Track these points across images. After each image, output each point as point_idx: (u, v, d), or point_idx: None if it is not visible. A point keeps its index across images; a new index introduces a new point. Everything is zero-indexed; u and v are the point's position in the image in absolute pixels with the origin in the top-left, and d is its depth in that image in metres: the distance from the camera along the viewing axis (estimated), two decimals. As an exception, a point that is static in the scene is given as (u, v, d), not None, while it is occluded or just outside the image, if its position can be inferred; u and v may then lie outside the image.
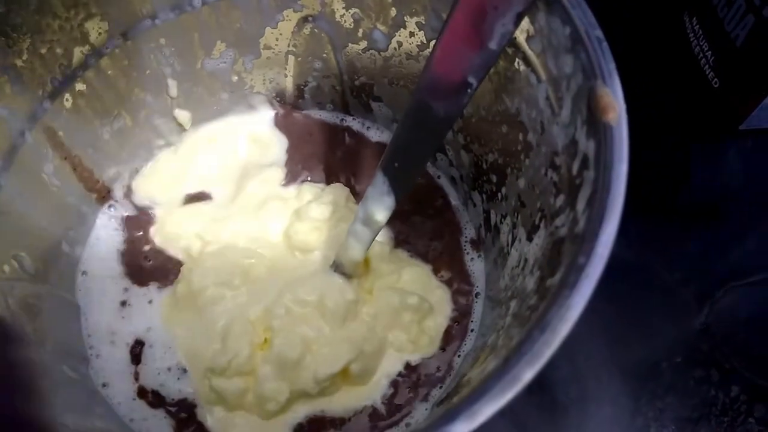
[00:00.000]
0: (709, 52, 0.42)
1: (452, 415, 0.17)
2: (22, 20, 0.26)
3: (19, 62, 0.27)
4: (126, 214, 0.36)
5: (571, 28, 0.23)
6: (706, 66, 0.43)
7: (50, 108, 0.29)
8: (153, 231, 0.35)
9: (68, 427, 0.25)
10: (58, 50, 0.28)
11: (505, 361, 0.18)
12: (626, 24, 0.45)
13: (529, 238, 0.27)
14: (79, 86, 0.30)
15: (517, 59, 0.26)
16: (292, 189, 0.36)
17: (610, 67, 0.22)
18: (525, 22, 0.24)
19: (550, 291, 0.21)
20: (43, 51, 0.28)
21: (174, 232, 0.35)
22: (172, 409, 0.31)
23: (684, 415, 0.35)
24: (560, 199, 0.24)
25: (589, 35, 0.22)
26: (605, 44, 0.22)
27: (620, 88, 0.22)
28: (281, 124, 0.39)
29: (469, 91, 0.23)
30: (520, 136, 0.28)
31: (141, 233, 0.35)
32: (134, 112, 0.34)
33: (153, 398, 0.31)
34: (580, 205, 0.21)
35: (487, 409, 0.17)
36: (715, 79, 0.42)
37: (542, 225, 0.26)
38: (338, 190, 0.35)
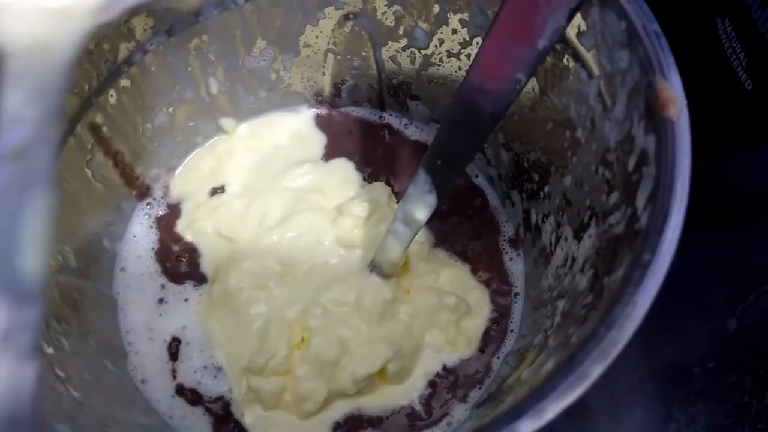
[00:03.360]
0: (742, 53, 0.42)
1: (518, 412, 0.17)
2: (72, 16, 0.26)
3: (67, 57, 0.27)
4: (160, 212, 0.36)
5: (627, 23, 0.22)
6: (739, 68, 0.42)
7: (96, 103, 0.29)
8: (182, 225, 0.35)
9: (115, 418, 0.25)
10: (105, 46, 0.28)
11: (570, 358, 0.18)
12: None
13: (577, 237, 0.27)
14: (124, 82, 0.30)
15: (566, 55, 0.26)
16: (332, 182, 0.36)
17: (669, 61, 0.22)
18: (576, 18, 0.24)
19: (608, 289, 0.21)
20: (91, 47, 0.28)
21: (204, 225, 0.35)
22: (211, 407, 0.31)
23: (717, 421, 0.34)
24: (614, 196, 0.24)
25: (647, 29, 0.22)
26: (663, 39, 0.22)
27: (680, 82, 0.21)
28: (320, 121, 0.38)
29: (517, 87, 0.23)
30: (567, 134, 0.27)
31: (172, 230, 0.35)
32: (175, 108, 0.34)
33: (191, 396, 0.31)
34: (640, 201, 0.21)
35: (555, 407, 0.17)
36: (748, 81, 0.41)
37: (593, 223, 0.25)
38: (380, 188, 0.35)
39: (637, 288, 0.18)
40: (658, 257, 0.19)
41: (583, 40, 0.25)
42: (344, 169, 0.37)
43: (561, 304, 0.26)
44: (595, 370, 0.17)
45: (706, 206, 0.40)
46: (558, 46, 0.26)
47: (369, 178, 0.37)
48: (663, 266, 0.19)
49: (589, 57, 0.25)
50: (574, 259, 0.26)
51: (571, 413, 0.37)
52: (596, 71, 0.24)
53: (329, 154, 0.37)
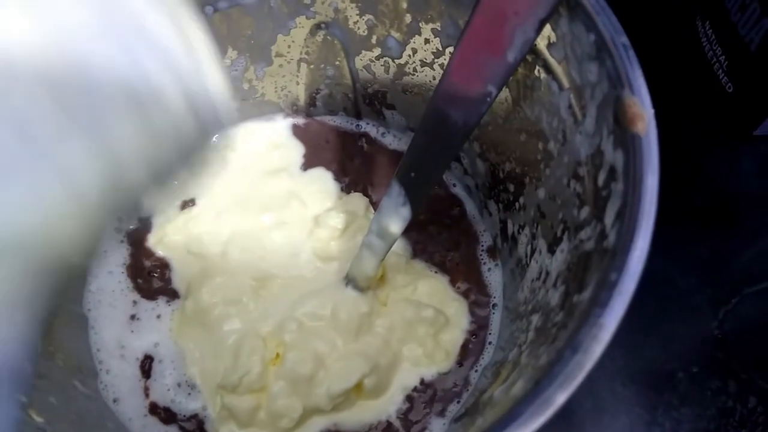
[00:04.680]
0: (723, 56, 0.42)
1: (483, 440, 0.17)
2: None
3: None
4: (130, 226, 0.35)
5: (596, 35, 0.22)
6: (720, 71, 0.42)
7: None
8: (153, 240, 0.34)
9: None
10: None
11: (536, 384, 0.17)
12: (638, 29, 0.44)
13: (551, 251, 0.26)
14: (89, 96, 0.29)
15: (537, 66, 0.25)
16: (310, 192, 0.35)
17: (637, 74, 0.21)
18: (546, 29, 0.24)
19: (578, 308, 0.20)
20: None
21: (176, 240, 0.34)
22: (185, 426, 0.30)
23: (701, 426, 0.34)
24: (585, 211, 0.23)
25: (615, 42, 0.22)
26: (632, 51, 0.22)
27: (648, 97, 0.21)
28: (297, 131, 0.38)
29: (488, 99, 0.23)
30: (540, 145, 0.27)
31: (143, 245, 0.34)
32: (144, 121, 0.33)
33: (165, 415, 0.31)
34: (609, 218, 0.21)
35: (519, 434, 0.17)
36: (729, 84, 0.41)
37: (565, 237, 0.25)
38: (357, 199, 0.35)
39: (603, 309, 0.18)
40: (624, 277, 0.18)
41: (553, 51, 0.24)
42: (322, 179, 0.36)
43: (535, 319, 0.25)
44: (559, 396, 0.17)
45: (687, 208, 0.40)
46: (529, 57, 0.25)
47: (347, 187, 0.36)
48: (630, 287, 0.18)
49: (559, 69, 0.24)
50: (547, 273, 0.26)
51: (553, 420, 0.37)
52: (566, 83, 0.24)
53: (307, 163, 0.37)
